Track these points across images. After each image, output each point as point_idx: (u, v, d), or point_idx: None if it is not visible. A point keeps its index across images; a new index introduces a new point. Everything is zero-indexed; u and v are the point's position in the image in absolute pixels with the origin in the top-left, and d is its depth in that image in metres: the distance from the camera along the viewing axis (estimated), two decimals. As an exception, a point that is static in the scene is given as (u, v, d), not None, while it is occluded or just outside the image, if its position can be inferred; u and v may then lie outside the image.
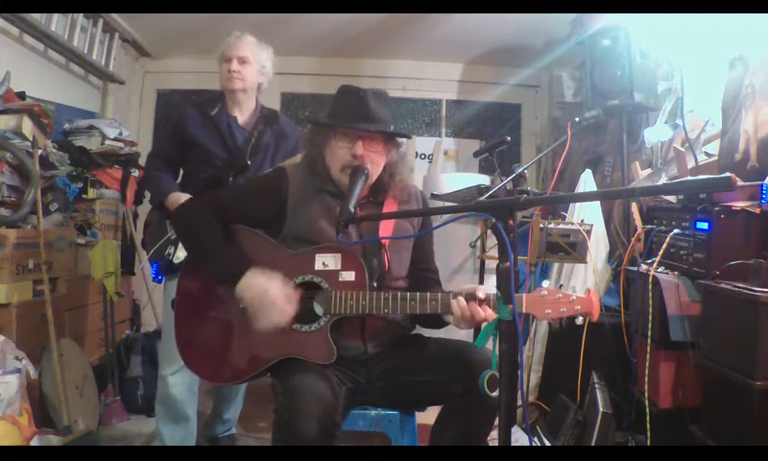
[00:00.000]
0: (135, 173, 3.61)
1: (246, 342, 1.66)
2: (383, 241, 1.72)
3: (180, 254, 2.28)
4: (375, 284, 1.68)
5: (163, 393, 2.36)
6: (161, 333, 2.48)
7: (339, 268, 1.64)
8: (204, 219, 1.71)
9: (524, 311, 1.50)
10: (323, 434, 1.41)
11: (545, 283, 1.55)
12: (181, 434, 2.39)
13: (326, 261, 1.65)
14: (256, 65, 2.45)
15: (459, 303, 1.54)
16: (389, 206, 1.79)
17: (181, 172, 2.57)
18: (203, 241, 1.71)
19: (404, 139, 1.85)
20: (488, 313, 1.53)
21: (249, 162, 2.40)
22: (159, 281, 2.36)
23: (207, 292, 1.73)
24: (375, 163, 1.72)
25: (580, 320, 1.53)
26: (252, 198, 1.78)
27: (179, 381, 2.33)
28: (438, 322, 1.67)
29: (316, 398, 1.45)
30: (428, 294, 1.59)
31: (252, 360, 1.65)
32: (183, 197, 2.30)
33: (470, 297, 1.55)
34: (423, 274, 1.84)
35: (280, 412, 1.46)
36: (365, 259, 1.66)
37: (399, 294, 1.60)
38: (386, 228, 1.75)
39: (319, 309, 1.66)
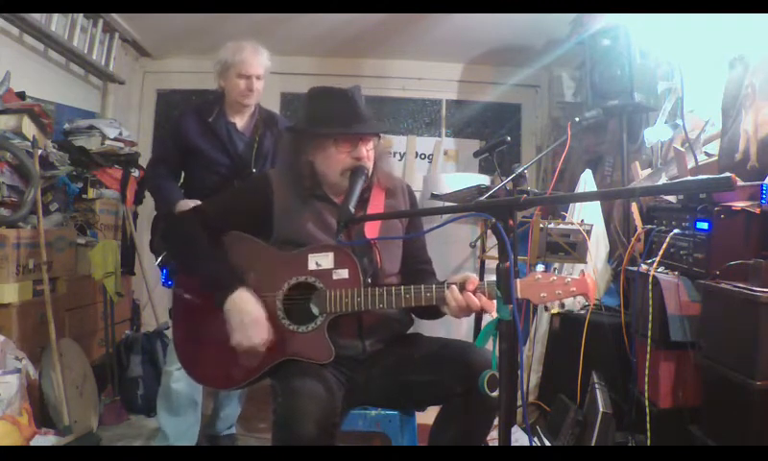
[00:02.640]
0: (135, 173, 3.61)
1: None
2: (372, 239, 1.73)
3: None
4: (370, 281, 1.68)
5: (167, 386, 2.37)
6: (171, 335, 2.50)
7: (332, 267, 1.64)
8: (192, 235, 1.70)
9: (519, 296, 1.45)
10: (321, 435, 1.41)
11: (539, 268, 1.54)
12: (185, 426, 2.41)
13: (319, 261, 1.65)
14: (264, 77, 2.49)
15: (453, 294, 1.53)
16: (375, 198, 1.78)
17: (183, 177, 2.57)
18: (193, 258, 1.70)
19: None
20: (483, 301, 1.52)
21: (254, 169, 2.40)
22: (170, 287, 2.36)
23: (203, 299, 1.72)
24: (371, 160, 1.73)
25: (578, 304, 1.51)
26: (237, 206, 1.78)
27: (184, 375, 2.34)
28: (435, 313, 1.65)
29: (314, 399, 1.45)
30: (422, 286, 1.58)
31: (251, 364, 1.65)
32: (192, 204, 2.30)
33: (463, 286, 1.54)
34: (417, 266, 1.84)
35: (279, 413, 1.46)
36: (356, 256, 1.67)
37: (394, 288, 1.59)
38: (375, 225, 1.74)
39: (315, 309, 1.66)
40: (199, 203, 2.30)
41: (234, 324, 1.60)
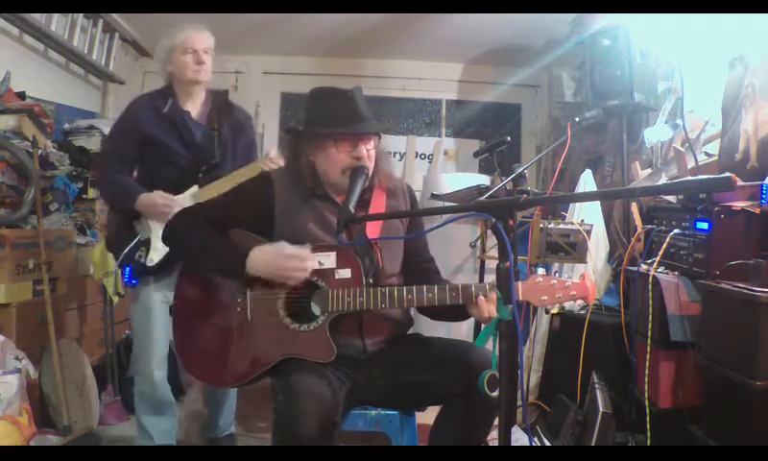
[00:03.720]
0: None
1: (246, 344, 1.67)
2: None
3: (154, 256, 2.24)
4: (371, 281, 1.69)
5: (147, 389, 2.34)
6: (134, 335, 2.44)
7: (335, 266, 1.65)
8: (197, 225, 1.72)
9: (521, 299, 1.48)
10: (322, 434, 1.41)
11: (540, 271, 1.55)
12: (167, 425, 2.40)
13: (322, 260, 1.65)
14: (211, 55, 2.41)
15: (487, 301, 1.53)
16: (376, 199, 1.79)
17: (136, 172, 2.45)
18: (202, 243, 1.71)
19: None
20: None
21: (218, 159, 2.34)
22: (134, 285, 2.30)
23: (207, 296, 1.73)
24: (371, 160, 1.74)
25: (577, 306, 1.53)
26: (239, 205, 1.78)
27: (160, 375, 2.34)
28: (461, 314, 1.64)
29: (315, 397, 1.45)
30: (425, 287, 1.58)
31: (252, 362, 1.65)
32: (157, 197, 2.23)
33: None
34: (420, 265, 1.84)
35: (280, 412, 1.46)
36: (356, 256, 1.67)
37: (396, 289, 1.60)
38: (376, 225, 1.75)
39: (316, 309, 1.66)
40: (162, 193, 2.24)
41: (273, 272, 1.61)
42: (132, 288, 2.32)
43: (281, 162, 2.28)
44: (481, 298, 1.53)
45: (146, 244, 2.28)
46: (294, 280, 1.62)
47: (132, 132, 2.34)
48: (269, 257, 1.62)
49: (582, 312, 2.62)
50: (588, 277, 1.51)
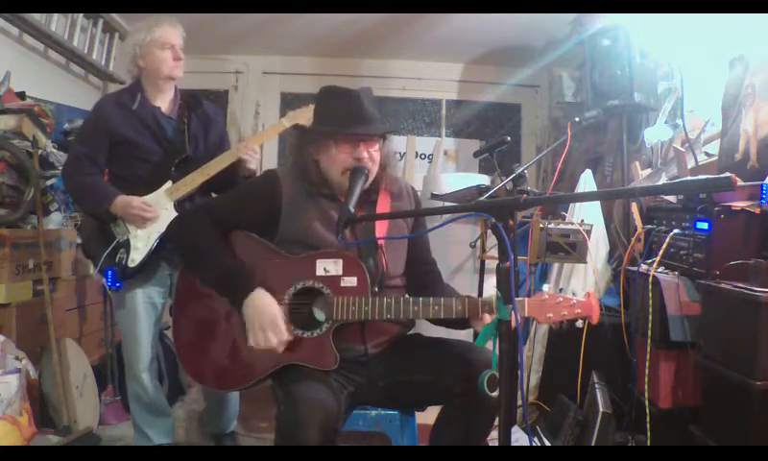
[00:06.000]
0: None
1: (248, 349, 1.64)
2: (379, 241, 1.72)
3: (135, 256, 2.21)
4: (377, 289, 1.68)
5: (140, 392, 2.33)
6: (122, 339, 2.42)
7: (340, 274, 1.63)
8: (205, 233, 1.70)
9: (526, 314, 1.51)
10: (324, 442, 1.40)
11: (546, 287, 1.57)
12: (164, 425, 2.40)
13: (328, 267, 1.64)
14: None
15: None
16: (382, 201, 1.79)
17: (107, 172, 2.40)
18: (207, 256, 1.69)
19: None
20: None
21: (189, 152, 2.31)
22: (118, 289, 2.26)
23: (208, 298, 1.72)
24: (375, 162, 1.73)
25: (580, 323, 1.58)
26: (246, 204, 1.77)
27: (149, 377, 2.33)
28: (464, 324, 1.65)
29: (318, 407, 1.44)
30: (431, 299, 1.58)
31: (254, 366, 1.65)
32: (133, 199, 2.20)
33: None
34: (421, 268, 1.85)
35: (282, 421, 1.45)
36: (361, 260, 1.66)
37: (402, 299, 1.60)
38: (381, 226, 1.75)
39: (320, 315, 1.65)
40: (133, 197, 2.20)
41: (253, 324, 1.59)
42: (117, 292, 2.29)
43: (257, 148, 2.29)
44: (486, 315, 1.55)
45: (125, 245, 2.24)
46: (258, 342, 1.59)
47: (102, 132, 2.30)
48: (263, 307, 1.59)
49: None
50: (594, 295, 1.54)
